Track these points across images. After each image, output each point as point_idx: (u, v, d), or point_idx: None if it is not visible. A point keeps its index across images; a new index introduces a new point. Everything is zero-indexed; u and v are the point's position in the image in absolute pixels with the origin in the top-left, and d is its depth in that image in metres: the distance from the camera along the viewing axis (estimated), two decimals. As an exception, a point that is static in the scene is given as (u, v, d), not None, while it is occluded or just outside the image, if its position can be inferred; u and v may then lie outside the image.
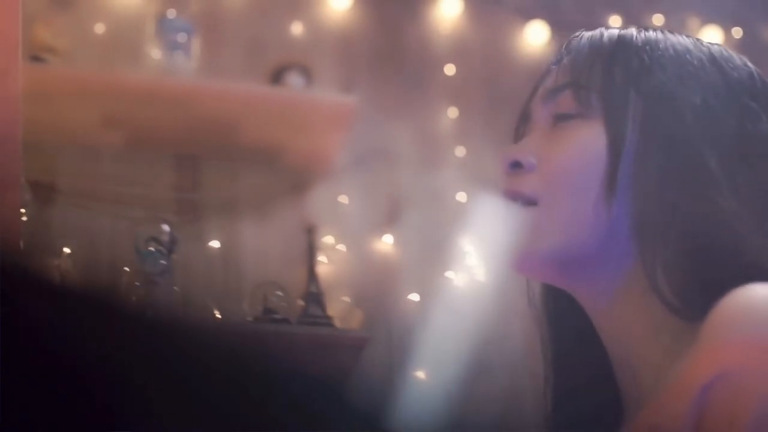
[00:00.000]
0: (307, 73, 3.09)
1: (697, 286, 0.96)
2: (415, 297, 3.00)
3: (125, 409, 0.56)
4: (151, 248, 2.65)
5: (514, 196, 1.07)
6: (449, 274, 2.70)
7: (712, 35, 3.82)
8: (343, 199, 3.11)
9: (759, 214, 0.98)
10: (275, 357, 0.64)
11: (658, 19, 3.80)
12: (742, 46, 3.85)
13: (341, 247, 3.04)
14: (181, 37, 2.97)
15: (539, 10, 3.53)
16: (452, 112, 3.37)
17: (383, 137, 3.23)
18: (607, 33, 1.09)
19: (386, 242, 3.08)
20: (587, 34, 1.11)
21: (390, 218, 3.11)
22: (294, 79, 3.06)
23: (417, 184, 3.06)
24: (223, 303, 2.76)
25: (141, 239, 2.66)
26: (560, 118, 1.07)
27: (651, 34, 1.08)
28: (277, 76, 3.07)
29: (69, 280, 2.63)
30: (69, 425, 0.56)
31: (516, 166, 1.07)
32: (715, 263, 0.96)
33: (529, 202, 1.05)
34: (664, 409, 0.88)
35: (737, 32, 3.87)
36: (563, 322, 1.14)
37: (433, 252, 2.88)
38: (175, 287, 2.68)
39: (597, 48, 1.07)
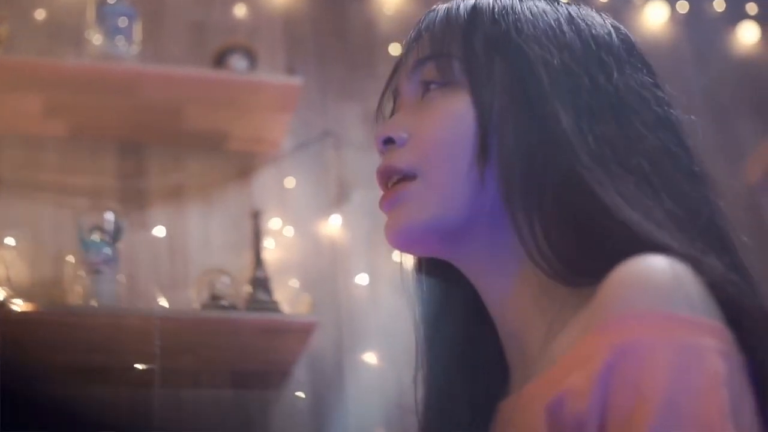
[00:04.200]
0: (250, 55, 3.07)
1: (571, 248, 0.96)
2: (363, 279, 2.99)
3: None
4: (96, 237, 2.63)
5: (389, 171, 1.06)
6: (397, 255, 2.69)
7: (657, 10, 3.83)
8: (290, 182, 3.10)
9: (612, 169, 0.96)
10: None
11: (603, -6, 3.81)
12: (688, 20, 3.86)
13: (288, 230, 3.02)
14: (123, 22, 2.93)
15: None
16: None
17: (329, 119, 3.21)
18: (462, 4, 1.09)
19: (334, 224, 3.07)
20: (442, 7, 1.11)
21: (337, 200, 3.10)
22: (238, 62, 3.04)
23: (363, 165, 3.04)
24: (169, 291, 2.74)
25: (85, 228, 2.64)
26: (427, 87, 1.07)
27: (506, 0, 1.08)
28: (220, 60, 3.04)
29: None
30: None
31: (388, 142, 1.07)
32: (579, 224, 0.96)
33: (407, 175, 1.04)
34: (563, 382, 0.86)
35: (683, 7, 3.88)
36: (439, 303, 1.13)
37: (381, 234, 2.86)
38: (120, 276, 2.66)
39: (454, 19, 1.08)
